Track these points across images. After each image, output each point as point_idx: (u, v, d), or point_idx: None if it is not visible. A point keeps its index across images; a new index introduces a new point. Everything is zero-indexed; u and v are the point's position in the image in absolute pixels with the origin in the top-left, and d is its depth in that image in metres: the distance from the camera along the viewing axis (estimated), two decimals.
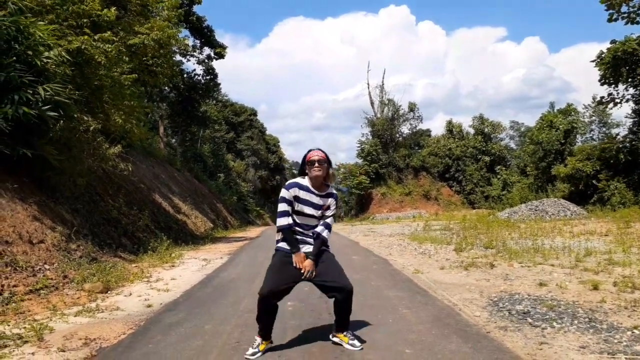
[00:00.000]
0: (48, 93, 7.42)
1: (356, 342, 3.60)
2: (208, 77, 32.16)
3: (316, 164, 3.54)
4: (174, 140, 38.96)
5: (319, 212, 3.64)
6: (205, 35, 30.31)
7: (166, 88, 28.90)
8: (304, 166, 3.63)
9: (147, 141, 21.83)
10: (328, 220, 3.70)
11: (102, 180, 12.64)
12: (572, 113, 31.58)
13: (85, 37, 9.12)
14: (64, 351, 3.76)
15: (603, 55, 21.65)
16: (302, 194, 3.61)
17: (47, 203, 8.16)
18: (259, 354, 3.49)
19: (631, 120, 23.34)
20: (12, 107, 6.98)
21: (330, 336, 3.74)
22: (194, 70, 32.75)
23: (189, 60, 30.90)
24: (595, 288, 5.39)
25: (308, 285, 5.86)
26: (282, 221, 3.58)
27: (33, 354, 3.70)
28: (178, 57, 23.66)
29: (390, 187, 41.02)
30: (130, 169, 13.94)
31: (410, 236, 14.02)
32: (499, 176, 41.57)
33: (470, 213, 27.50)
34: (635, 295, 4.96)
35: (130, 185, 15.31)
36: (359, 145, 42.83)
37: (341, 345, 3.62)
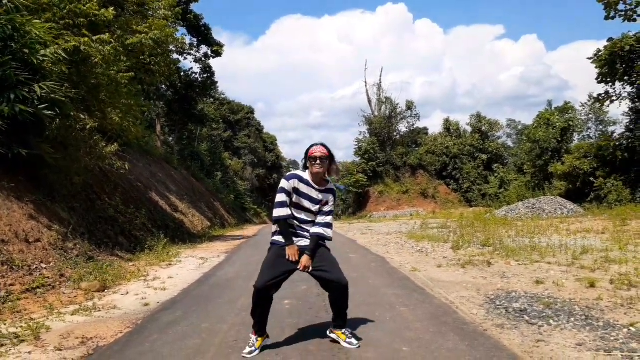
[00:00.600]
0: (44, 91, 7.39)
1: (353, 340, 3.60)
2: (205, 75, 32.04)
3: (318, 161, 3.52)
4: (171, 138, 38.84)
5: (317, 207, 3.62)
6: (202, 34, 30.20)
7: (163, 86, 28.79)
8: (307, 160, 3.61)
9: (144, 139, 21.77)
10: (328, 220, 3.65)
11: (99, 179, 12.60)
12: (570, 111, 31.65)
13: (85, 39, 9.08)
14: (60, 350, 3.76)
15: (600, 53, 21.70)
16: (302, 187, 3.60)
17: (44, 202, 8.13)
18: (256, 351, 3.49)
19: (628, 118, 23.42)
20: (8, 105, 6.95)
21: (328, 332, 3.73)
22: (191, 68, 32.59)
23: (186, 58, 30.99)
24: (592, 286, 5.41)
25: (305, 284, 5.89)
26: (280, 212, 3.55)
27: (30, 353, 3.69)
28: (175, 56, 23.51)
29: (387, 185, 41.08)
30: (127, 167, 13.87)
31: (407, 234, 14.04)
32: (496, 174, 41.68)
33: (467, 211, 27.57)
34: (631, 293, 4.98)
35: (127, 184, 15.27)
36: (356, 143, 42.88)
37: (338, 342, 3.62)
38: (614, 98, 22.95)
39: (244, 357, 3.43)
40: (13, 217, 6.81)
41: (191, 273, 7.98)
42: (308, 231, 3.61)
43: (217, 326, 4.33)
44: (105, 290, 6.35)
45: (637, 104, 22.52)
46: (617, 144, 22.86)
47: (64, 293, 5.90)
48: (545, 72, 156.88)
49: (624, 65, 21.20)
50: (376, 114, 43.23)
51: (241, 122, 54.17)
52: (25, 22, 7.55)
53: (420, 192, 41.11)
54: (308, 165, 3.59)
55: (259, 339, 3.57)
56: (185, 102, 31.64)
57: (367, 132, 43.23)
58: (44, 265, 6.42)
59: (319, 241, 3.60)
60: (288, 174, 3.69)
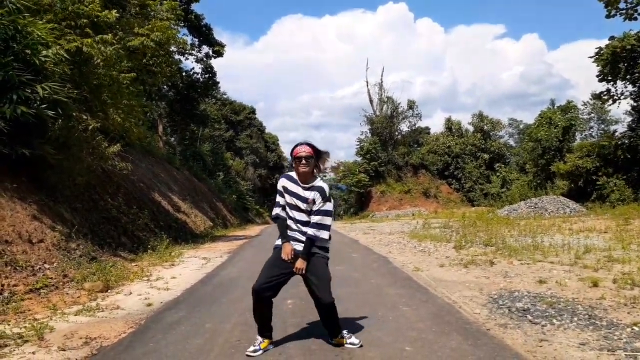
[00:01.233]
0: (46, 92, 7.40)
1: (354, 340, 3.60)
2: (207, 76, 32.08)
3: (303, 161, 3.51)
4: (173, 139, 38.90)
5: (305, 205, 3.58)
6: (203, 34, 30.22)
7: (165, 87, 28.83)
8: (293, 160, 3.62)
9: (146, 140, 21.78)
10: (318, 219, 3.53)
11: (102, 179, 12.62)
12: (572, 110, 31.57)
13: (88, 39, 9.10)
14: (64, 350, 3.77)
15: (602, 52, 21.64)
16: (291, 186, 3.62)
17: (47, 202, 8.15)
18: (260, 351, 3.49)
19: (630, 116, 23.36)
20: (11, 106, 6.96)
21: (329, 341, 3.72)
22: (193, 68, 32.58)
23: (187, 58, 30.96)
24: (595, 285, 5.40)
25: None
26: (274, 211, 3.72)
27: (33, 353, 3.70)
28: (177, 56, 23.54)
29: (389, 185, 41.06)
30: (129, 167, 13.92)
31: (409, 234, 14.03)
32: (498, 174, 41.60)
33: (469, 210, 27.52)
34: (634, 292, 4.97)
35: (129, 184, 15.29)
36: (358, 143, 42.94)
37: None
38: (616, 97, 22.90)
39: (247, 355, 3.44)
40: (16, 218, 6.83)
41: (194, 273, 7.99)
42: (305, 233, 3.59)
43: (220, 326, 4.33)
44: (108, 291, 6.36)
45: (639, 103, 22.47)
46: (619, 142, 22.82)
47: (67, 293, 5.91)
48: (547, 70, 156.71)
49: (625, 64, 21.15)
50: (377, 113, 43.24)
51: (243, 122, 54.21)
52: (27, 22, 7.56)
53: (422, 192, 41.09)
54: (294, 165, 3.60)
55: (265, 340, 3.57)
56: (187, 102, 31.68)
57: (368, 131, 43.28)
58: (47, 266, 6.44)
59: (310, 244, 3.53)
60: (281, 175, 3.76)
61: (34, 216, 7.24)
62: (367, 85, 43.88)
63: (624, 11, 21.51)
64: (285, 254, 3.53)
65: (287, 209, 3.64)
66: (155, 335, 4.14)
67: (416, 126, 45.85)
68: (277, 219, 3.67)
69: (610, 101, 23.36)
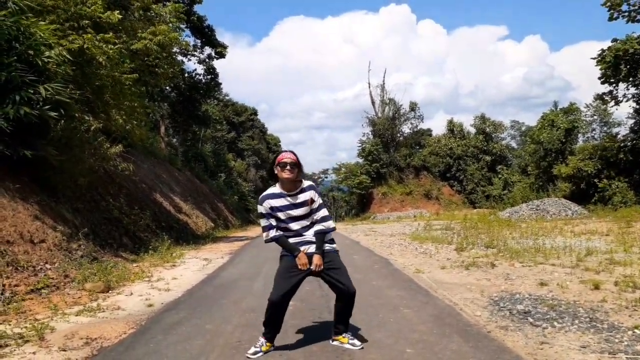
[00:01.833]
0: (49, 92, 7.43)
1: (356, 342, 3.59)
2: (209, 77, 32.10)
3: (288, 167, 3.50)
4: (175, 140, 38.95)
5: (303, 209, 3.59)
6: (206, 35, 30.24)
7: (167, 88, 28.87)
8: (274, 167, 3.58)
9: (148, 141, 21.84)
10: (321, 214, 3.61)
11: (103, 180, 12.65)
12: (574, 112, 31.50)
13: (89, 36, 9.11)
14: (65, 350, 3.77)
15: (604, 54, 21.60)
16: (276, 202, 3.59)
17: (48, 203, 8.17)
18: (261, 353, 3.49)
19: (632, 119, 23.30)
20: (14, 107, 6.99)
21: (330, 341, 3.72)
22: (195, 69, 32.74)
23: (189, 59, 30.85)
24: (596, 288, 5.38)
25: (309, 285, 5.88)
26: (267, 235, 3.62)
27: (34, 353, 3.70)
28: (179, 57, 23.57)
29: (391, 187, 41.00)
30: (131, 168, 13.94)
31: (411, 236, 14.01)
32: (500, 176, 41.50)
33: (471, 212, 27.46)
34: (636, 295, 4.95)
35: (131, 185, 15.32)
36: (359, 144, 42.85)
37: (342, 346, 3.62)
38: (619, 99, 22.86)
39: (247, 357, 3.44)
40: (18, 218, 6.84)
41: (195, 274, 7.99)
42: (311, 235, 3.61)
43: (221, 327, 4.33)
44: (110, 291, 6.37)
45: None
46: (622, 145, 22.75)
47: (68, 294, 5.93)
48: (549, 73, 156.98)
49: (628, 67, 21.11)
50: (379, 115, 43.16)
51: (245, 124, 54.29)
52: (30, 23, 7.60)
53: (423, 194, 41.02)
54: (277, 172, 3.56)
55: (268, 343, 3.57)
56: (189, 103, 31.71)
57: (370, 133, 43.20)
58: (48, 266, 6.45)
59: (324, 238, 3.59)
60: (259, 198, 3.69)
61: (35, 216, 7.26)
62: (369, 87, 43.81)
63: (626, 14, 21.46)
64: (303, 265, 3.52)
65: (283, 225, 3.61)
66: (156, 336, 4.14)
67: (418, 128, 45.76)
68: (275, 240, 3.61)
69: (613, 102, 23.32)
